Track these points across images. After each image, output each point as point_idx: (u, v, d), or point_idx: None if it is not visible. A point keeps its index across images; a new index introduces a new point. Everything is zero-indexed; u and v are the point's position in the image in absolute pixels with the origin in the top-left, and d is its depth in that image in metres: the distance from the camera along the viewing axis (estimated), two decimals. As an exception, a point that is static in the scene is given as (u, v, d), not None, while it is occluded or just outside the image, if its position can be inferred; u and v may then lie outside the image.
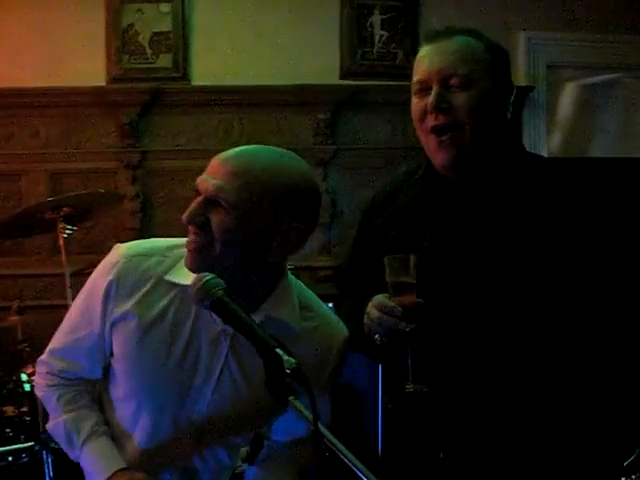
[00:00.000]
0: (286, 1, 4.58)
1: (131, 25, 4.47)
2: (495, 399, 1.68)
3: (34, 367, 3.07)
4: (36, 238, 4.15)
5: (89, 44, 4.43)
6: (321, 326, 1.75)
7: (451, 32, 1.76)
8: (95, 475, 1.71)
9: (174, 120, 4.50)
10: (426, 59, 1.74)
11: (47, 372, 1.81)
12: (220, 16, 4.55)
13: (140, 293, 1.67)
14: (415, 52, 1.81)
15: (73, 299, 3.16)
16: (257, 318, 1.60)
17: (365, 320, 1.71)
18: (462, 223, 1.74)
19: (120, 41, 4.45)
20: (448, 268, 1.72)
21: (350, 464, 1.31)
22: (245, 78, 4.50)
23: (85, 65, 4.40)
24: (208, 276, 1.49)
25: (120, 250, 1.73)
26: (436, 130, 1.71)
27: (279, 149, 1.67)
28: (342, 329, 1.78)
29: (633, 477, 2.77)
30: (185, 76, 4.52)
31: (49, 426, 1.81)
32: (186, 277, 1.61)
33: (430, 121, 1.71)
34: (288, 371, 1.34)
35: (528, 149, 4.90)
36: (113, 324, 1.69)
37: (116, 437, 1.76)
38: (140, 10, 4.47)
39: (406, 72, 1.82)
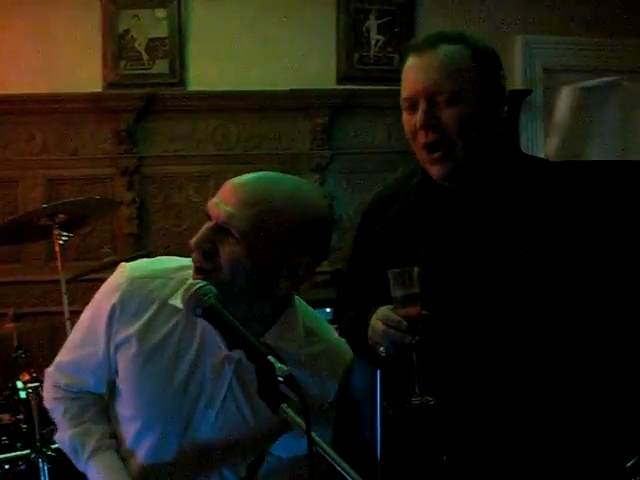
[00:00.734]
0: (282, 6, 4.59)
1: (127, 31, 4.47)
2: (498, 404, 1.67)
3: (30, 374, 3.09)
4: (32, 245, 4.15)
5: (85, 50, 4.43)
6: (326, 350, 1.73)
7: (435, 41, 1.69)
8: None
9: (170, 126, 4.50)
10: (411, 75, 1.69)
11: (53, 385, 1.80)
12: (216, 22, 4.56)
13: (144, 317, 1.64)
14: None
15: (69, 306, 3.20)
16: None
17: (369, 333, 1.69)
18: (460, 230, 1.72)
19: (116, 47, 4.45)
20: (448, 276, 1.71)
21: (344, 473, 1.30)
22: (242, 83, 4.50)
23: (81, 71, 4.40)
24: (200, 283, 1.48)
25: (125, 272, 1.70)
26: (427, 147, 1.68)
27: (296, 178, 1.63)
28: (347, 351, 1.76)
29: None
30: (181, 82, 4.52)
31: (57, 437, 1.80)
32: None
33: (421, 138, 1.68)
34: (280, 379, 1.33)
35: (525, 152, 4.88)
36: (117, 347, 1.67)
37: (121, 451, 1.75)
38: (136, 16, 4.47)
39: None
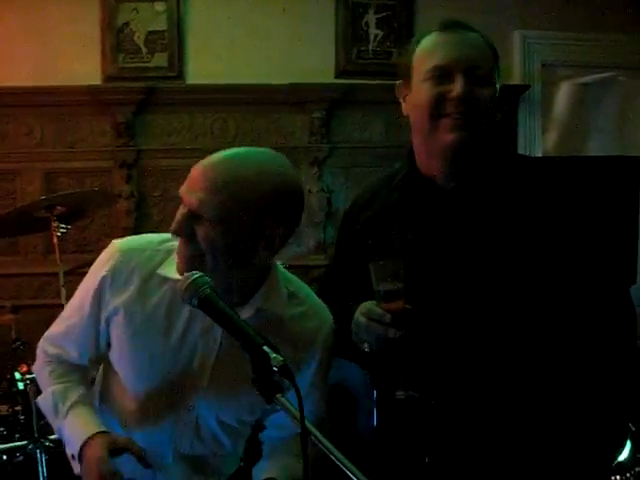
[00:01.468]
0: (281, 0, 4.58)
1: (126, 24, 4.47)
2: (483, 403, 1.67)
3: (28, 366, 3.10)
4: (30, 237, 4.16)
5: (84, 43, 4.43)
6: (308, 311, 1.79)
7: (463, 26, 1.73)
8: (75, 439, 1.72)
9: (169, 119, 4.50)
10: (447, 46, 1.68)
11: (42, 354, 1.89)
12: (215, 15, 4.55)
13: (134, 287, 1.73)
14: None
15: (67, 298, 3.20)
16: (248, 311, 1.67)
17: (353, 329, 1.70)
18: (444, 224, 1.72)
19: (115, 40, 4.45)
20: (433, 271, 1.71)
21: (338, 462, 1.31)
22: (240, 77, 4.50)
23: (80, 64, 4.40)
24: (195, 275, 1.50)
25: (115, 246, 1.78)
26: (457, 114, 1.67)
27: (262, 150, 1.68)
28: (328, 314, 1.82)
29: (628, 475, 2.78)
30: (180, 75, 4.52)
31: (39, 399, 1.86)
32: (177, 271, 1.66)
33: (450, 108, 1.66)
34: (275, 369, 1.34)
35: (523, 147, 4.87)
36: (109, 317, 1.75)
37: (118, 420, 1.81)
38: (135, 9, 4.47)
39: (413, 59, 1.76)
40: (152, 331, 1.72)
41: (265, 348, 1.36)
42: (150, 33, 4.49)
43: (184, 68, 4.53)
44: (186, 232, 1.61)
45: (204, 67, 4.53)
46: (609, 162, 4.03)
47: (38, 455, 2.98)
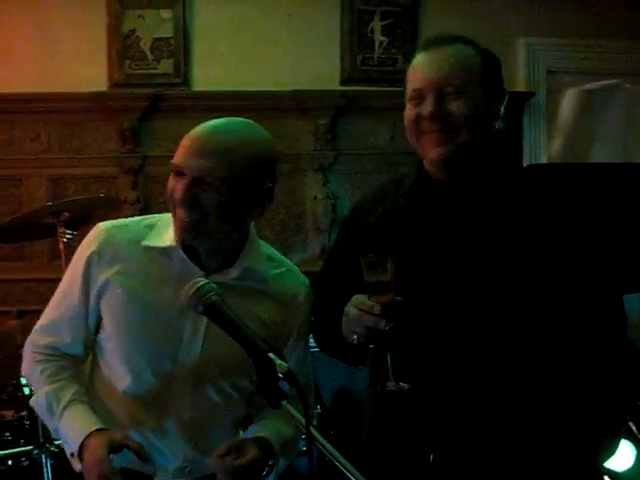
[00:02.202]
0: (286, 7, 4.60)
1: (132, 31, 4.49)
2: (479, 397, 1.68)
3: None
4: (36, 243, 4.17)
5: (90, 49, 4.45)
6: (287, 272, 1.91)
7: (445, 40, 1.78)
8: (73, 438, 1.74)
9: (175, 125, 4.50)
10: (422, 68, 1.77)
11: (32, 351, 1.91)
12: (221, 22, 4.57)
13: (121, 260, 1.80)
14: (416, 58, 1.84)
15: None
16: (235, 271, 1.79)
17: (343, 322, 1.72)
18: (447, 226, 1.76)
19: (121, 47, 4.47)
20: (428, 269, 1.74)
21: (340, 465, 1.32)
22: (245, 84, 4.52)
23: (86, 70, 4.42)
24: (202, 282, 1.51)
25: (99, 227, 1.86)
26: (432, 133, 1.73)
27: (237, 119, 1.81)
28: (303, 276, 1.94)
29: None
30: (186, 82, 4.54)
31: (32, 400, 1.88)
32: (162, 240, 1.79)
33: (425, 127, 1.74)
34: (281, 375, 1.35)
35: (528, 154, 4.86)
36: (99, 294, 1.80)
37: (113, 401, 1.83)
38: (141, 16, 4.50)
39: (406, 78, 1.84)
40: (145, 297, 1.77)
41: (270, 355, 1.37)
42: (156, 40, 4.51)
43: (190, 75, 4.55)
44: (191, 200, 1.69)
45: (210, 74, 4.55)
46: (615, 169, 4.02)
47: (43, 460, 2.97)
